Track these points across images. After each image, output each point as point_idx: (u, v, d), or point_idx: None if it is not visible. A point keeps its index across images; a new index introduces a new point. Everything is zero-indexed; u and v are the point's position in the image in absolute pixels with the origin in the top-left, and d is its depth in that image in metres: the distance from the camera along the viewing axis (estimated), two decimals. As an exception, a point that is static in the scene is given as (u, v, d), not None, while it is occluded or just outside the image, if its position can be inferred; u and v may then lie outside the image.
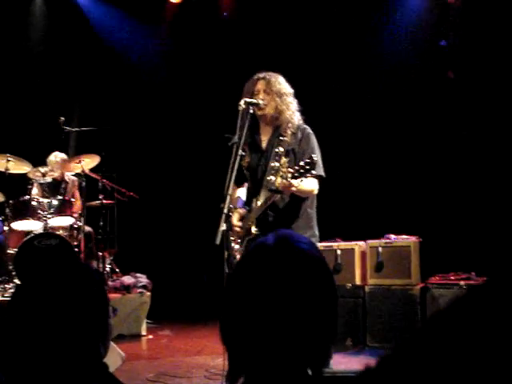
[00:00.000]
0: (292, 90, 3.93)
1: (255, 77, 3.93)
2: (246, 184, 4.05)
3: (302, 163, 3.46)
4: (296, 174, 3.46)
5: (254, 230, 3.77)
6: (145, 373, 4.85)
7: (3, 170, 6.75)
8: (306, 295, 1.17)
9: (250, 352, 1.18)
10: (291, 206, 3.83)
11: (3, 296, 6.20)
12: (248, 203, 3.93)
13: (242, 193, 4.07)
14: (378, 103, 7.34)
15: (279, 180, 3.53)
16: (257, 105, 3.81)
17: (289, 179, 3.47)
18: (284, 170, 3.67)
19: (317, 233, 3.93)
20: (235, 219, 3.85)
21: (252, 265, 1.22)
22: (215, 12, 8.61)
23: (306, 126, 3.93)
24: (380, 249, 5.82)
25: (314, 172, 3.47)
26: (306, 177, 3.46)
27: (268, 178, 3.77)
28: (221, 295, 1.26)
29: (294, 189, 3.56)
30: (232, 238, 3.83)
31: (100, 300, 1.58)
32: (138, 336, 6.59)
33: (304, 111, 3.97)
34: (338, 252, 5.94)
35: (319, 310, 1.18)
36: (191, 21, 8.63)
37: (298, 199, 3.82)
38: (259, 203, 3.78)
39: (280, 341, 1.15)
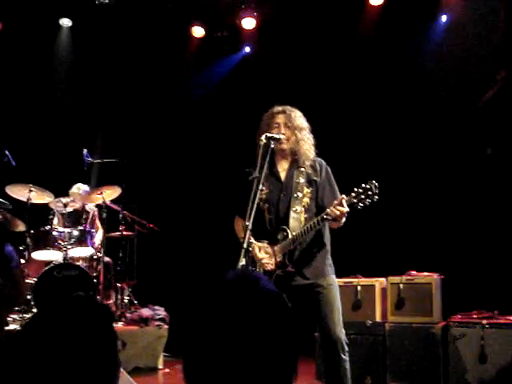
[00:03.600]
0: (308, 125, 3.96)
1: (274, 110, 3.95)
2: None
3: (360, 189, 3.46)
4: (354, 200, 3.46)
5: (289, 265, 3.74)
6: (160, 408, 4.79)
7: (25, 199, 6.82)
8: (264, 331, 1.17)
9: None
10: (315, 238, 3.82)
11: (21, 325, 6.19)
12: (264, 235, 3.89)
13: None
14: (392, 140, 7.35)
15: (330, 209, 3.54)
16: (278, 140, 3.82)
17: (345, 204, 3.47)
18: (306, 200, 3.70)
19: (332, 263, 3.93)
20: (258, 252, 3.80)
21: (212, 302, 1.23)
22: (236, 46, 8.73)
23: (321, 159, 3.98)
24: (401, 285, 5.72)
25: (376, 198, 3.45)
26: (365, 204, 3.45)
27: (294, 209, 3.76)
28: (184, 335, 1.25)
29: (343, 218, 3.58)
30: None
31: (107, 334, 1.57)
32: (155, 369, 6.52)
33: (319, 146, 4.01)
34: (359, 288, 5.86)
35: (279, 346, 1.18)
36: (213, 54, 8.75)
37: (321, 232, 3.81)
38: (291, 234, 3.73)
39: (241, 378, 1.14)
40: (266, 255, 3.78)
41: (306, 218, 3.74)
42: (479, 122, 6.71)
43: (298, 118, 3.91)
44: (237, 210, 3.96)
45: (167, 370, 6.55)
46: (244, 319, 1.17)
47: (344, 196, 3.54)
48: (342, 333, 3.69)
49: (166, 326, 6.68)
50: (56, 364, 1.45)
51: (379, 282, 5.88)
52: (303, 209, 3.77)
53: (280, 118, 3.90)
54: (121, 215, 7.19)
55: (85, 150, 7.12)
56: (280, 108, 3.94)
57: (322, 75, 7.76)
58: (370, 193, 3.46)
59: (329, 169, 3.95)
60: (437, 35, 7.38)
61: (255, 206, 3.56)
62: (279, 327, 1.19)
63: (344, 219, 3.66)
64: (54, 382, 1.45)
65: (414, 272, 5.84)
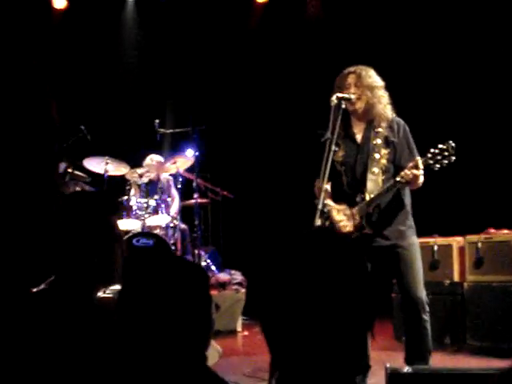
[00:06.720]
0: (383, 83, 3.85)
1: (345, 71, 3.88)
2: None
3: (436, 150, 3.42)
4: (430, 162, 3.42)
5: (367, 228, 3.72)
6: (241, 368, 4.90)
7: (102, 172, 7.04)
8: (342, 285, 1.16)
9: (289, 347, 1.19)
10: (395, 199, 3.75)
11: (104, 293, 6.44)
12: (343, 197, 3.87)
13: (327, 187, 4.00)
14: (469, 96, 7.13)
15: (406, 171, 3.48)
16: (348, 99, 3.77)
17: (420, 166, 3.44)
18: (384, 161, 3.64)
19: (413, 224, 3.84)
20: (336, 214, 3.78)
21: (287, 254, 1.21)
22: (301, 10, 8.62)
23: (399, 118, 3.88)
24: (479, 244, 5.61)
25: (453, 159, 3.41)
26: (442, 164, 3.41)
27: (371, 171, 3.72)
28: (257, 292, 1.25)
29: (421, 179, 3.52)
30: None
31: (204, 296, 1.61)
32: (234, 332, 6.68)
33: (397, 103, 3.90)
34: (435, 248, 5.78)
35: (356, 302, 1.17)
36: (279, 19, 8.67)
37: (401, 192, 3.75)
38: (369, 196, 3.68)
39: (318, 333, 1.15)
40: (344, 217, 3.76)
41: (383, 180, 3.68)
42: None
43: (370, 77, 3.81)
44: (316, 173, 3.95)
45: (246, 333, 6.70)
46: (320, 272, 1.15)
47: (419, 158, 3.47)
48: (422, 293, 3.66)
49: (243, 290, 6.81)
50: (156, 325, 1.51)
51: (457, 242, 5.78)
52: (381, 170, 3.71)
53: (350, 78, 3.82)
54: (195, 183, 7.31)
55: (156, 121, 7.25)
56: (351, 68, 3.86)
57: (395, 33, 7.58)
58: (446, 153, 3.39)
59: (407, 128, 3.83)
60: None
61: (328, 167, 3.54)
62: (357, 282, 1.18)
63: (421, 180, 3.58)
64: (152, 343, 1.50)
65: (492, 230, 5.70)
